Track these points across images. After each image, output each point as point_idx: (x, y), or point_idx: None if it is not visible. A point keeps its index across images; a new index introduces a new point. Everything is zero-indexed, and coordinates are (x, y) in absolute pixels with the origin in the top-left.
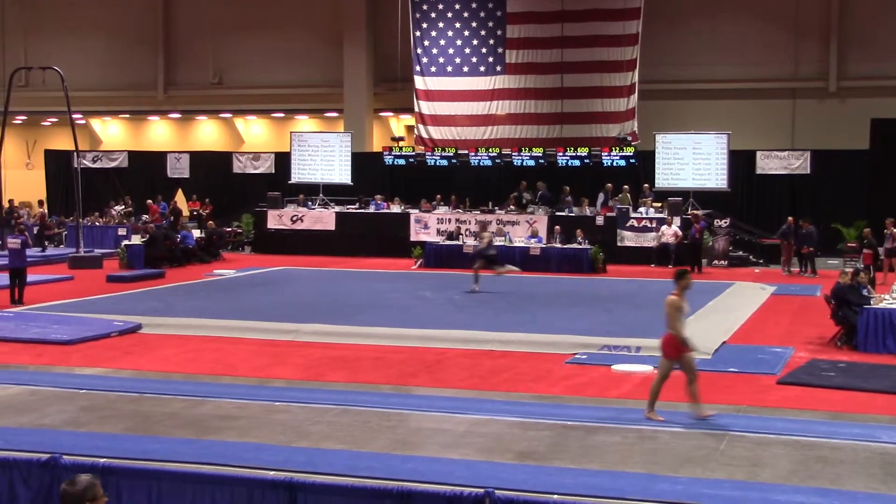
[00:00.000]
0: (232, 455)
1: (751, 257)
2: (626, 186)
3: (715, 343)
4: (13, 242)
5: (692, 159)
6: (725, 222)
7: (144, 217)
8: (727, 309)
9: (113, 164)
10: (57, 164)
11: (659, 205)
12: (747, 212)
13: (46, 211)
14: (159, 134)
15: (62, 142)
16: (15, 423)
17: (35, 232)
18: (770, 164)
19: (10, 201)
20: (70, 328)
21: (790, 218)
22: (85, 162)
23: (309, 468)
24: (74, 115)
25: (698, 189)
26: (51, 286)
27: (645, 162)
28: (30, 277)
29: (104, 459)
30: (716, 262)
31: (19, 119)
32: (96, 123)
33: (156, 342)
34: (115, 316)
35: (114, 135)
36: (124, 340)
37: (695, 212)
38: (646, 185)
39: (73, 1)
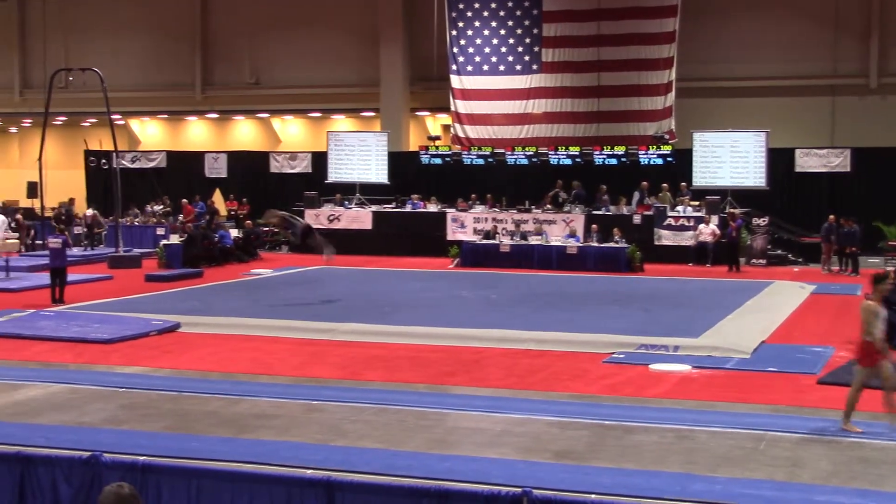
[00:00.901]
0: (270, 454)
1: (790, 256)
2: (665, 185)
3: (754, 342)
4: (54, 242)
5: (730, 157)
6: (764, 221)
7: (181, 217)
8: (766, 308)
9: (151, 165)
10: (97, 164)
11: (696, 203)
12: (786, 210)
13: (96, 211)
14: (197, 134)
15: (103, 142)
16: (56, 420)
17: (85, 231)
18: (809, 161)
19: (71, 200)
20: (110, 327)
21: (831, 216)
22: (124, 162)
23: (346, 467)
24: (113, 116)
25: (736, 187)
26: (91, 285)
27: (682, 160)
28: (70, 277)
29: (144, 457)
30: (754, 260)
31: (60, 120)
32: (135, 124)
33: (194, 341)
34: (154, 315)
35: (152, 135)
36: (163, 339)
37: (731, 210)
38: (683, 183)
39: (113, 3)
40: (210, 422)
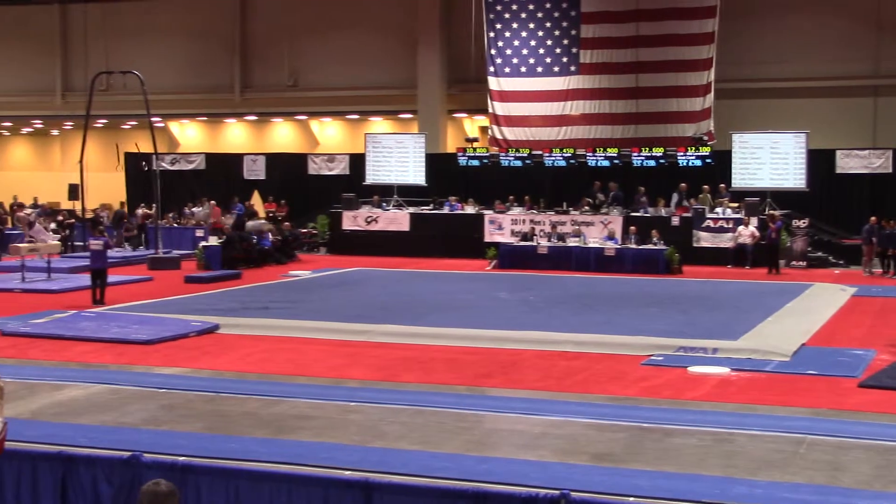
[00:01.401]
0: (308, 455)
1: (830, 258)
2: (705, 187)
3: (794, 345)
4: (95, 244)
5: (770, 159)
6: (804, 223)
7: (223, 218)
8: (806, 310)
9: (190, 167)
10: (137, 166)
11: (735, 205)
12: (827, 212)
13: (147, 210)
14: (236, 136)
15: (142, 144)
16: (97, 420)
17: (135, 232)
18: (850, 163)
19: (122, 203)
20: (150, 328)
21: (873, 217)
22: (163, 164)
23: (384, 468)
24: (153, 118)
25: (776, 189)
26: (131, 287)
27: (721, 162)
28: (111, 278)
29: (183, 458)
30: (794, 262)
31: (100, 123)
32: (174, 126)
33: (233, 342)
34: (193, 316)
35: (191, 137)
36: (202, 340)
37: (771, 212)
38: (722, 185)
39: (153, 6)
40: (248, 422)
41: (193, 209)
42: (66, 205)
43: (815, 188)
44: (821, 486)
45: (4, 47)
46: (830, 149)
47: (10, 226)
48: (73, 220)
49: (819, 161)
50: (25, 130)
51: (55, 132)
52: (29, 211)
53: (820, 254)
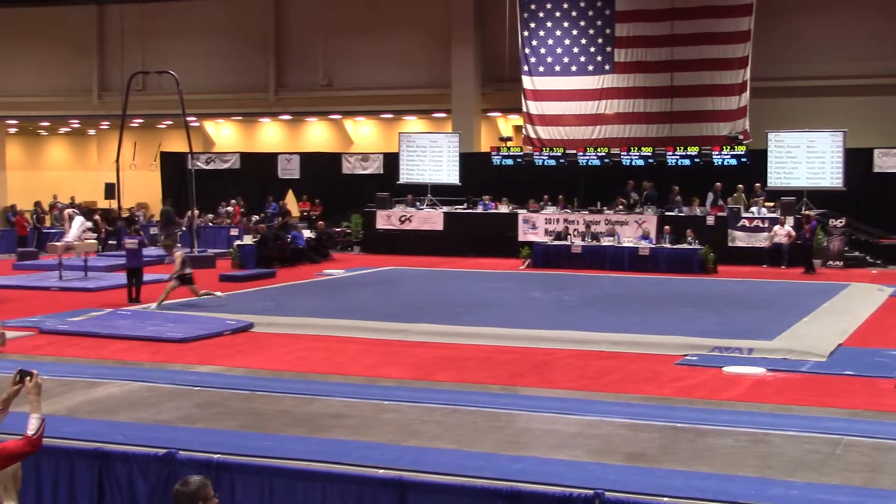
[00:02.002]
0: (342, 453)
1: (868, 258)
2: (740, 186)
3: (830, 345)
4: (130, 243)
5: (806, 158)
6: (841, 222)
7: (255, 218)
8: (843, 311)
9: (225, 166)
10: (172, 166)
11: (771, 204)
12: (864, 211)
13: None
14: (270, 135)
15: (177, 144)
16: (133, 418)
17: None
18: (889, 162)
19: (169, 201)
20: (185, 326)
21: None
22: (199, 164)
23: (418, 467)
24: (188, 118)
25: (812, 188)
26: (166, 285)
27: (757, 161)
28: (146, 277)
29: (218, 455)
30: (831, 262)
31: (136, 122)
32: (209, 126)
33: (267, 341)
34: (228, 315)
35: (226, 136)
36: (237, 339)
37: (806, 212)
38: (758, 184)
39: (189, 7)
40: (283, 421)
41: (227, 208)
42: (103, 204)
43: (853, 187)
44: (858, 488)
45: (42, 48)
46: (868, 147)
47: (48, 225)
48: (112, 221)
49: (856, 160)
50: (63, 130)
51: (92, 132)
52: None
53: (857, 253)
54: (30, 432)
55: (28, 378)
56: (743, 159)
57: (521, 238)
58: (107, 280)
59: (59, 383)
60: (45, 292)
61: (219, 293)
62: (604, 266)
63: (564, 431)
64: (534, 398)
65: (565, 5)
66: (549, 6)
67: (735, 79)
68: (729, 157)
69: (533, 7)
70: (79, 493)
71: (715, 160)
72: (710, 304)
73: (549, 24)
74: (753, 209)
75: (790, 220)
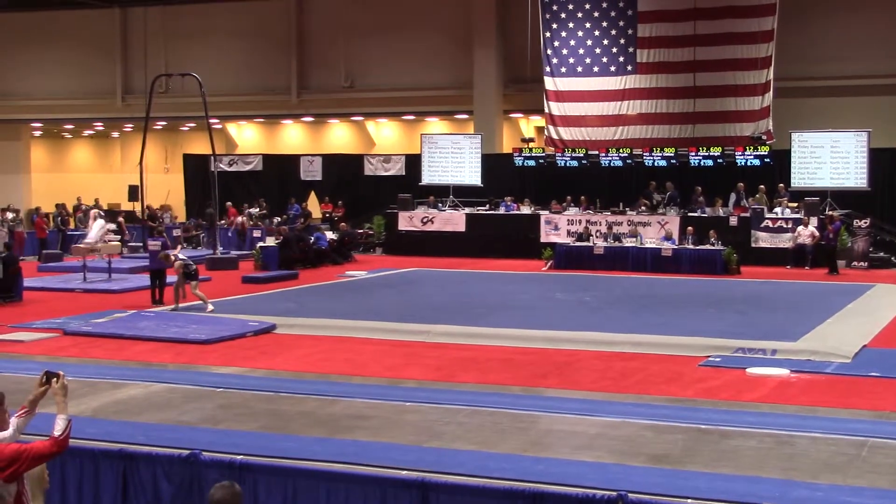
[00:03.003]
0: (364, 454)
1: (893, 258)
2: (762, 186)
3: (855, 346)
4: (153, 245)
5: (830, 158)
6: (865, 223)
7: (277, 219)
8: (868, 311)
9: (248, 168)
10: (195, 167)
11: (795, 205)
12: (889, 212)
13: (245, 217)
14: (292, 137)
15: (200, 146)
16: (156, 419)
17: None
18: None
19: (210, 203)
20: (207, 328)
21: None
22: (221, 166)
23: (440, 468)
24: (211, 120)
25: (836, 188)
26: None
27: (780, 161)
28: (169, 279)
29: (241, 456)
30: (855, 263)
31: (160, 125)
32: (232, 128)
33: (290, 342)
34: (251, 316)
35: (248, 138)
36: (259, 340)
37: (830, 213)
38: (781, 184)
39: (211, 9)
40: (305, 422)
41: (250, 210)
42: (126, 206)
43: (877, 188)
44: (884, 490)
45: (65, 50)
46: (893, 147)
47: (72, 227)
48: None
49: (881, 160)
50: (86, 133)
51: (115, 134)
52: (95, 211)
53: (882, 254)
54: (56, 433)
55: (55, 379)
56: (766, 160)
57: (543, 239)
58: (130, 282)
59: (83, 384)
60: (70, 294)
61: (210, 304)
62: (626, 267)
63: (587, 433)
64: (556, 399)
65: (587, 6)
66: (571, 7)
67: (758, 79)
68: (752, 157)
69: (555, 8)
70: (103, 494)
71: (738, 161)
72: (733, 305)
73: (570, 25)
74: (777, 210)
75: (814, 221)
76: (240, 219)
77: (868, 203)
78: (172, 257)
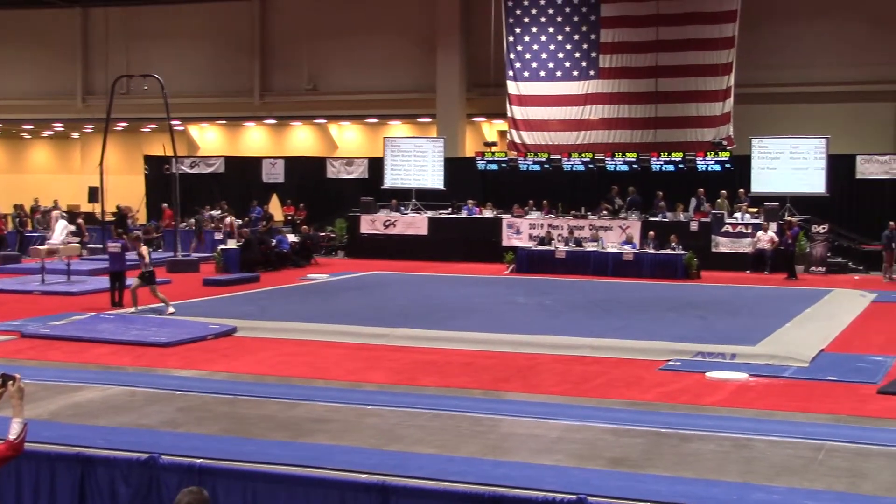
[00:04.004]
0: (325, 457)
1: (850, 264)
2: (723, 192)
3: (813, 351)
4: (114, 246)
5: (789, 164)
6: (823, 228)
7: (238, 222)
8: (825, 316)
9: (210, 170)
10: (156, 169)
11: (755, 210)
12: (847, 217)
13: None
14: (255, 140)
15: (162, 148)
16: (115, 422)
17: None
18: (871, 168)
19: (208, 207)
20: (168, 331)
21: (892, 222)
22: (183, 168)
23: (401, 472)
24: (173, 122)
25: (796, 194)
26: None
27: (740, 167)
28: (129, 281)
29: (201, 460)
30: (813, 268)
31: (121, 126)
32: (194, 129)
33: (251, 345)
34: (212, 319)
35: (211, 140)
36: (220, 343)
37: (788, 219)
38: (741, 189)
39: (174, 10)
40: (266, 425)
41: (211, 212)
42: (86, 207)
43: (835, 193)
44: (840, 493)
45: (25, 50)
46: (850, 154)
47: (30, 228)
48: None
49: (839, 166)
50: (46, 133)
51: (75, 135)
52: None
53: (839, 259)
54: (12, 437)
55: (10, 382)
56: (727, 165)
57: (505, 243)
58: (90, 284)
59: (40, 387)
60: (28, 296)
61: (171, 306)
62: (587, 271)
63: (547, 436)
64: (517, 403)
65: (550, 11)
66: (534, 11)
67: (719, 85)
68: (713, 162)
69: (518, 12)
70: (60, 498)
71: (699, 166)
72: (694, 310)
73: (534, 30)
74: (737, 215)
75: (773, 226)
76: (231, 220)
77: (826, 209)
78: (141, 242)
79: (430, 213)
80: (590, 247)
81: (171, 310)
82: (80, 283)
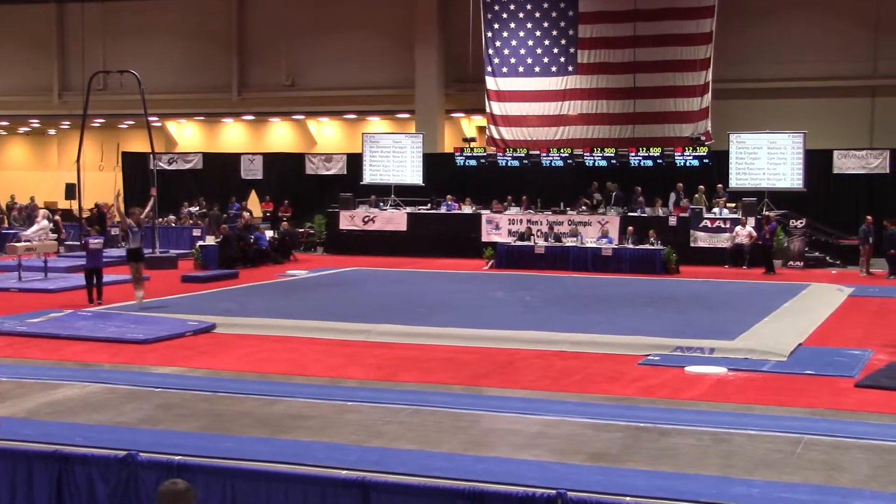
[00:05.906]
0: (305, 454)
1: (827, 258)
2: (701, 187)
3: (791, 345)
4: (94, 243)
5: (767, 159)
6: (801, 223)
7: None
8: (803, 310)
9: (188, 166)
10: (134, 166)
11: (733, 205)
12: (824, 212)
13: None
14: (233, 136)
15: (139, 144)
16: (93, 420)
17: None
18: (847, 163)
19: (217, 206)
20: (146, 327)
21: (869, 217)
22: (161, 164)
23: (381, 468)
24: (150, 118)
25: (773, 189)
26: (128, 286)
27: (719, 162)
28: (107, 278)
29: (179, 457)
30: (791, 263)
31: (98, 122)
32: (172, 126)
33: (229, 342)
34: (190, 316)
35: (189, 137)
36: (199, 340)
37: (766, 213)
38: (719, 185)
39: (150, 6)
40: (245, 422)
41: (190, 209)
42: (63, 204)
43: (813, 188)
44: (818, 486)
45: (1, 47)
46: (828, 149)
47: (6, 225)
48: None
49: (816, 161)
50: (22, 130)
51: (52, 132)
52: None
53: (817, 254)
54: None
55: None
56: (705, 160)
57: (484, 239)
58: (67, 281)
59: (17, 385)
60: (4, 293)
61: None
62: (567, 266)
63: (527, 431)
64: (497, 398)
65: (529, 6)
66: (512, 7)
67: (697, 80)
68: (691, 157)
69: (496, 8)
70: (37, 496)
71: (677, 161)
72: (673, 305)
73: (512, 25)
74: (715, 210)
75: (751, 221)
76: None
77: (804, 203)
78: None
79: (409, 209)
80: (569, 242)
81: (140, 294)
82: (57, 279)
